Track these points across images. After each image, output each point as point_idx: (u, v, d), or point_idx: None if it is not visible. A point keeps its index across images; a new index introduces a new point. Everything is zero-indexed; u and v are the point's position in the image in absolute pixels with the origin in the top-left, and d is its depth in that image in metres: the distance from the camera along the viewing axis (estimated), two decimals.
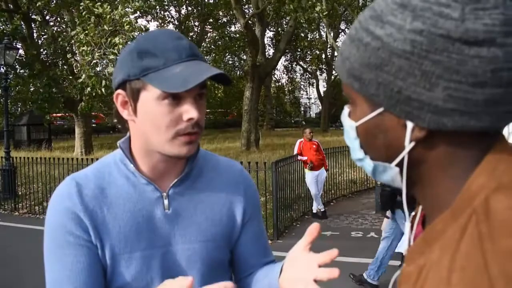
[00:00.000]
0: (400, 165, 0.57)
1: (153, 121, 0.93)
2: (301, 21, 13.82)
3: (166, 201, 1.01)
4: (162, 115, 0.91)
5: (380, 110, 0.56)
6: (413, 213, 0.66)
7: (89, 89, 10.40)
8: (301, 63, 33.77)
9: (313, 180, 7.58)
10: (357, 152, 0.62)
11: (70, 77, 12.15)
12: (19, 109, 20.99)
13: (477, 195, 0.50)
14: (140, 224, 0.98)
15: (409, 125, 0.54)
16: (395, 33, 0.52)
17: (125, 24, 9.53)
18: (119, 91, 0.96)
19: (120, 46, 9.51)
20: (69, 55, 12.27)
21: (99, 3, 9.76)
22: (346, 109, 0.63)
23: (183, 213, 1.02)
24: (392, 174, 0.59)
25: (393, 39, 0.52)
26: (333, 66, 31.49)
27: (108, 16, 9.57)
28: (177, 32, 1.00)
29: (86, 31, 9.86)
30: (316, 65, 32.04)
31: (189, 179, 1.04)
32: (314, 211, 7.84)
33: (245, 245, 1.10)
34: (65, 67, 15.18)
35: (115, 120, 1.04)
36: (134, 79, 0.92)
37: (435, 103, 0.51)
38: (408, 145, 0.55)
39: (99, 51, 9.89)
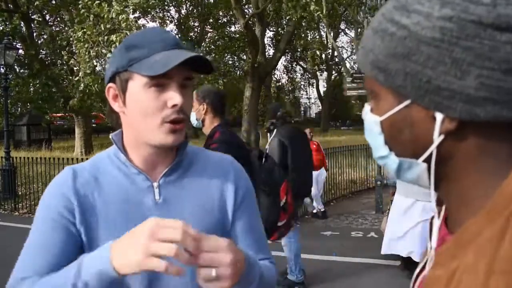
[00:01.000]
0: (427, 161, 0.55)
1: (140, 108, 0.97)
2: (294, 19, 13.81)
3: (157, 190, 1.03)
4: (149, 101, 0.96)
5: (407, 102, 0.54)
6: (435, 213, 0.63)
7: (82, 85, 10.40)
8: (301, 63, 33.77)
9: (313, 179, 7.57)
10: (380, 149, 0.59)
11: (70, 77, 12.15)
12: (19, 109, 21.00)
13: None
14: (130, 212, 1.01)
15: (439, 116, 0.52)
16: (423, 21, 0.51)
17: (121, 22, 9.53)
18: (110, 84, 1.02)
19: (117, 44, 9.52)
20: (65, 53, 12.23)
21: (97, 2, 9.75)
22: (367, 106, 0.61)
23: (173, 202, 1.04)
24: (418, 171, 0.57)
25: (421, 27, 0.51)
26: (333, 66, 31.21)
27: (106, 15, 9.57)
28: (165, 29, 1.06)
29: (84, 29, 9.86)
30: (311, 65, 31.98)
31: (180, 169, 1.07)
32: (314, 211, 7.84)
33: (235, 236, 1.10)
34: (64, 66, 15.19)
35: (108, 117, 1.09)
36: (122, 70, 0.98)
37: (466, 92, 0.49)
38: (437, 138, 0.53)
39: (96, 49, 9.88)
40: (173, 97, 0.95)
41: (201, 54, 0.97)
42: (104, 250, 0.85)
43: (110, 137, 1.07)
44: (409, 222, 4.42)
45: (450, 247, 0.53)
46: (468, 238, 0.51)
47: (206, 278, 0.81)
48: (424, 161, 0.55)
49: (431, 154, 0.54)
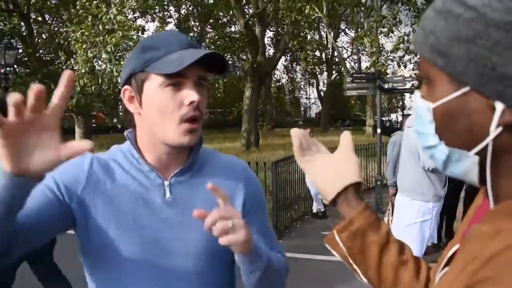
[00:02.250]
0: (479, 154, 0.51)
1: (158, 108, 0.98)
2: (288, 21, 13.87)
3: (167, 189, 1.04)
4: (166, 101, 0.97)
5: (466, 89, 0.50)
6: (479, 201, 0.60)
7: (78, 85, 10.41)
8: (301, 63, 33.78)
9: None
10: (429, 138, 0.55)
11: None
12: None
13: None
14: (139, 207, 1.01)
15: (499, 106, 0.48)
16: (494, 2, 0.47)
17: (119, 23, 9.54)
18: (126, 86, 1.03)
19: (113, 46, 9.55)
20: (62, 53, 12.25)
21: (95, 2, 9.76)
22: (418, 92, 0.57)
23: (183, 201, 1.04)
24: (468, 164, 0.53)
25: (491, 9, 0.47)
26: (333, 66, 31.18)
27: (103, 16, 9.59)
28: (180, 32, 1.07)
29: (83, 30, 9.87)
30: (305, 66, 31.91)
31: (192, 170, 1.08)
32: (314, 211, 7.85)
33: None
34: (60, 65, 15.21)
35: (124, 117, 1.07)
36: (139, 71, 0.99)
37: None
38: (494, 130, 0.49)
39: (93, 49, 9.89)
40: (190, 94, 0.97)
41: (216, 51, 0.97)
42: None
43: (125, 134, 1.08)
44: (405, 222, 4.42)
45: (497, 212, 0.51)
46: None
47: (225, 229, 0.85)
48: (476, 154, 0.52)
49: (483, 148, 0.50)
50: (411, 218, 4.12)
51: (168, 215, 1.02)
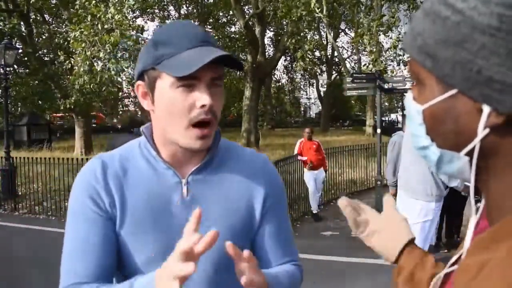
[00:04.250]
0: (469, 154, 0.52)
1: (168, 108, 0.94)
2: (292, 18, 13.83)
3: (185, 188, 1.02)
4: (176, 102, 0.93)
5: (453, 92, 0.50)
6: (478, 205, 0.60)
7: (77, 84, 10.42)
8: (298, 63, 33.73)
9: (311, 177, 7.55)
10: (421, 139, 0.56)
11: (69, 76, 12.20)
12: (19, 109, 20.99)
13: None
14: (157, 207, 1.00)
15: (486, 109, 0.48)
16: (481, 6, 0.47)
17: (118, 22, 9.54)
18: (139, 82, 1.00)
19: (111, 45, 9.55)
20: (61, 53, 12.25)
21: (94, 2, 9.76)
22: (410, 94, 0.58)
23: (201, 199, 1.02)
24: (460, 165, 0.54)
25: (478, 13, 0.47)
26: (333, 66, 31.11)
27: (102, 16, 9.58)
28: (192, 23, 1.02)
29: (81, 29, 9.87)
30: (305, 65, 31.78)
31: (210, 167, 1.05)
32: (314, 211, 7.83)
33: (262, 239, 1.09)
34: (60, 64, 15.21)
35: (139, 112, 1.06)
36: (150, 68, 0.95)
37: None
38: (482, 132, 0.49)
39: (92, 49, 9.89)
40: (201, 96, 0.93)
41: (228, 53, 0.93)
42: (151, 276, 0.86)
43: (140, 129, 1.05)
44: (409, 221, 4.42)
45: (484, 239, 0.51)
46: (503, 235, 0.49)
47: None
48: (466, 154, 0.52)
49: (473, 148, 0.51)
50: (414, 218, 4.13)
51: (186, 215, 1.00)
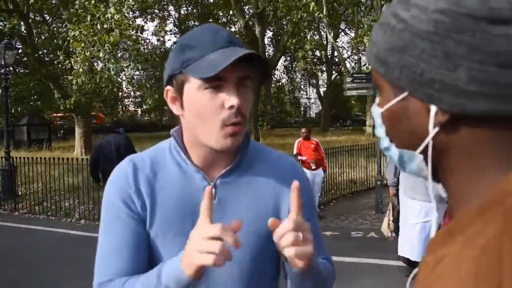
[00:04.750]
0: (424, 152, 0.56)
1: (197, 111, 0.96)
2: (293, 19, 13.82)
3: (213, 191, 1.02)
4: (205, 104, 0.94)
5: (404, 94, 0.54)
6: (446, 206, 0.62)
7: (75, 83, 10.41)
8: (298, 63, 33.76)
9: (309, 177, 7.51)
10: (383, 141, 0.60)
11: (69, 77, 12.22)
12: (19, 109, 21.00)
13: (511, 193, 0.47)
14: (186, 210, 1.01)
15: (433, 109, 0.52)
16: (419, 14, 0.51)
17: (117, 22, 9.54)
18: (168, 87, 1.01)
19: (111, 45, 9.55)
20: (60, 53, 12.25)
21: (93, 2, 9.75)
22: (377, 99, 0.61)
23: (228, 203, 1.03)
24: (418, 162, 0.57)
25: (417, 21, 0.51)
26: (333, 66, 31.11)
27: (102, 16, 9.58)
28: (219, 26, 1.03)
29: (81, 29, 9.87)
30: (304, 64, 31.78)
31: (238, 170, 1.06)
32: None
33: None
34: (60, 65, 15.21)
35: (166, 117, 1.06)
36: (178, 73, 0.97)
37: (458, 85, 0.50)
38: (432, 131, 0.53)
39: (91, 49, 9.89)
40: (230, 97, 0.93)
41: (253, 51, 0.93)
42: (177, 258, 0.90)
43: (171, 132, 1.07)
44: (410, 221, 4.42)
45: (441, 234, 0.54)
46: (459, 229, 0.51)
47: (294, 241, 0.84)
48: (421, 153, 0.56)
49: (427, 147, 0.55)
50: (414, 218, 4.13)
51: (214, 218, 1.00)
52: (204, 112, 0.95)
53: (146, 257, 1.02)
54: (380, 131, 0.60)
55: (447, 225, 0.55)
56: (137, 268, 1.00)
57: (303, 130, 7.79)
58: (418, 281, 0.55)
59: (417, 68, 0.52)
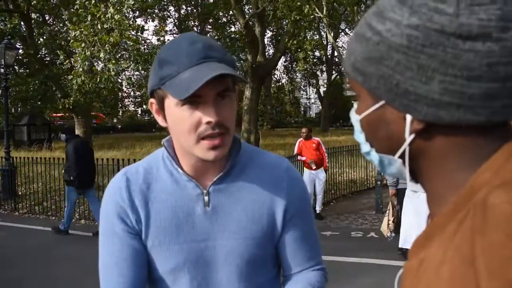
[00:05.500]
0: (402, 157, 0.58)
1: (177, 126, 0.98)
2: (289, 20, 13.81)
3: (206, 198, 1.04)
4: (183, 120, 0.95)
5: (382, 103, 0.57)
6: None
7: (75, 83, 10.40)
8: (299, 63, 33.74)
9: (309, 178, 7.52)
10: (363, 146, 0.63)
11: (70, 77, 12.22)
12: (19, 109, 20.98)
13: (479, 190, 0.50)
14: (180, 219, 1.03)
15: (408, 117, 0.55)
16: (394, 28, 0.54)
17: (117, 22, 9.52)
18: (151, 100, 1.03)
19: (111, 45, 9.54)
20: (61, 53, 12.23)
21: (93, 1, 9.74)
22: (355, 105, 0.64)
23: (222, 210, 1.04)
24: (397, 166, 0.60)
25: (391, 34, 0.54)
26: (333, 66, 31.08)
27: (102, 16, 9.57)
28: (196, 35, 1.01)
29: (81, 29, 9.86)
30: (304, 64, 31.70)
31: (230, 176, 1.06)
32: (317, 211, 7.81)
33: (285, 245, 1.09)
34: (60, 65, 15.19)
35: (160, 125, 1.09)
36: (157, 88, 0.98)
37: (431, 96, 0.52)
38: (408, 137, 0.56)
39: (91, 49, 9.88)
40: (206, 114, 0.94)
41: (227, 71, 0.91)
42: None
43: (162, 143, 1.09)
44: (407, 214, 4.51)
45: (420, 238, 0.56)
46: (435, 231, 0.54)
47: None
48: (400, 157, 0.59)
49: (404, 152, 0.57)
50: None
51: (208, 226, 1.03)
52: (183, 127, 0.96)
53: (146, 268, 1.05)
54: (360, 136, 0.63)
55: (425, 228, 0.57)
56: (139, 280, 1.03)
57: (303, 130, 7.78)
58: (403, 285, 0.57)
59: (393, 79, 0.54)
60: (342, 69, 23.61)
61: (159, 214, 1.03)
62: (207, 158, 0.98)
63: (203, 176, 1.05)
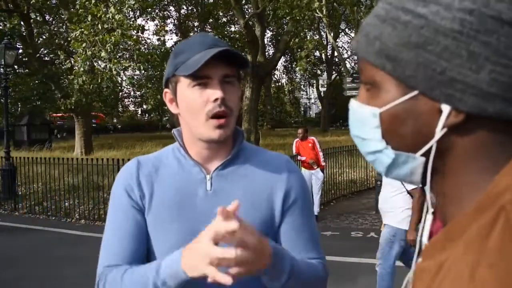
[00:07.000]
0: (425, 155, 0.54)
1: (188, 106, 1.08)
2: (297, 18, 13.78)
3: (209, 182, 1.12)
4: (194, 99, 1.07)
5: (415, 93, 0.53)
6: (429, 207, 0.61)
7: (76, 83, 10.40)
8: (299, 63, 33.71)
9: (308, 178, 7.50)
10: (375, 143, 0.57)
11: (69, 76, 12.23)
12: (19, 109, 20.99)
13: (505, 191, 0.47)
14: (182, 200, 1.11)
15: (446, 109, 0.51)
16: (443, 11, 0.50)
17: (118, 22, 9.52)
18: (166, 89, 1.15)
19: (112, 45, 9.54)
20: (61, 52, 12.22)
21: (94, 1, 9.73)
22: (355, 101, 0.60)
23: (223, 193, 1.11)
24: (414, 166, 0.56)
25: (440, 17, 0.50)
26: (333, 66, 30.87)
27: (103, 16, 9.57)
28: (208, 34, 1.18)
29: (82, 29, 9.86)
30: (302, 67, 31.67)
31: (234, 164, 1.15)
32: (316, 213, 7.81)
33: (284, 235, 1.14)
34: (60, 65, 15.19)
35: (166, 117, 1.14)
36: (172, 76, 1.11)
37: (480, 86, 0.49)
38: (440, 132, 0.52)
39: (92, 48, 9.88)
40: (214, 92, 1.05)
41: (228, 47, 1.06)
42: (178, 254, 0.95)
43: (172, 132, 1.18)
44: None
45: (440, 239, 0.53)
46: (458, 231, 0.50)
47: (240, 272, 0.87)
48: (422, 155, 0.55)
49: (429, 149, 0.53)
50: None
51: (208, 207, 1.08)
52: (193, 106, 1.07)
53: (145, 244, 1.11)
54: (375, 133, 0.57)
55: (444, 229, 0.53)
56: (138, 253, 1.10)
57: (299, 131, 7.80)
58: (415, 284, 0.54)
59: (437, 66, 0.50)
60: (342, 69, 23.54)
61: (162, 193, 1.12)
62: (213, 137, 1.07)
63: (208, 162, 1.14)
